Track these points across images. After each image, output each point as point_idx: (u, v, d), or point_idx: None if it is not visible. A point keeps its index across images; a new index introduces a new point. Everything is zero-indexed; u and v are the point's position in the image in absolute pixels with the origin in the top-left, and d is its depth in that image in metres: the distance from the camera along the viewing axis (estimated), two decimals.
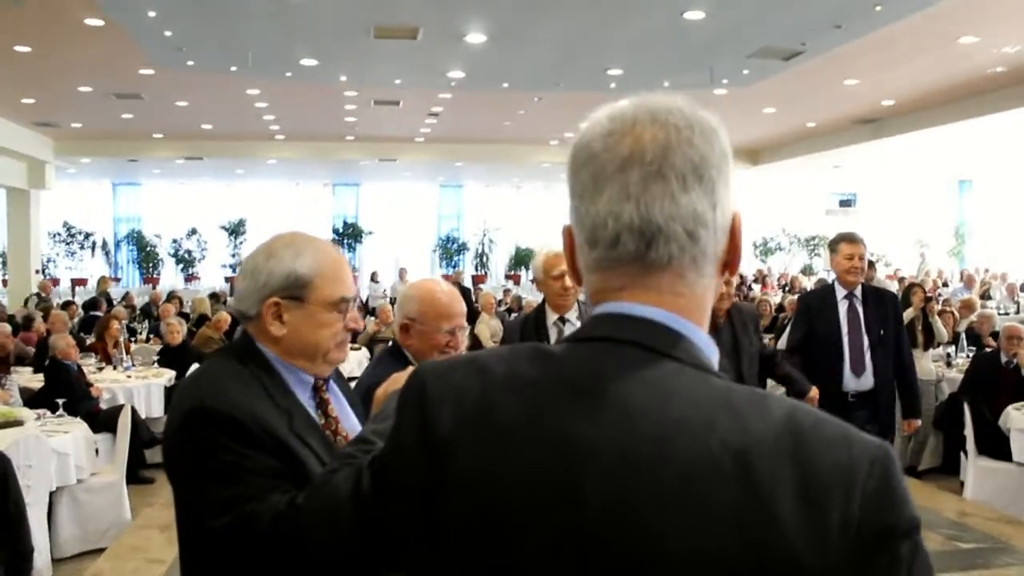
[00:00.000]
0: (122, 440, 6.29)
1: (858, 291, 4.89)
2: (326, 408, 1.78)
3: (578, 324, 4.09)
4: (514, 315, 11.34)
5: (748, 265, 24.62)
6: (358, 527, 1.15)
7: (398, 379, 1.54)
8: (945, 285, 18.81)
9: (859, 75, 11.86)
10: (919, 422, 5.19)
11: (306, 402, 1.73)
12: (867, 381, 4.76)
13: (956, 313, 10.27)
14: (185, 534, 1.64)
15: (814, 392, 4.57)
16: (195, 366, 8.33)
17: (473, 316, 12.81)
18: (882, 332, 4.82)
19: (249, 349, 1.70)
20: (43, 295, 14.78)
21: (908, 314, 7.97)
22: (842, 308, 4.87)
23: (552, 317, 4.11)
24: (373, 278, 19.75)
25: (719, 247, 0.98)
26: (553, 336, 4.07)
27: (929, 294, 8.73)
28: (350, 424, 1.83)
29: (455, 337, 2.47)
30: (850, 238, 4.92)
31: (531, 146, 19.18)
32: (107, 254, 23.48)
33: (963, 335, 9.42)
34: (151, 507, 6.42)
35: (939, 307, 9.21)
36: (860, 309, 4.87)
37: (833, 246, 5.03)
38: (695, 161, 0.94)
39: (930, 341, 8.11)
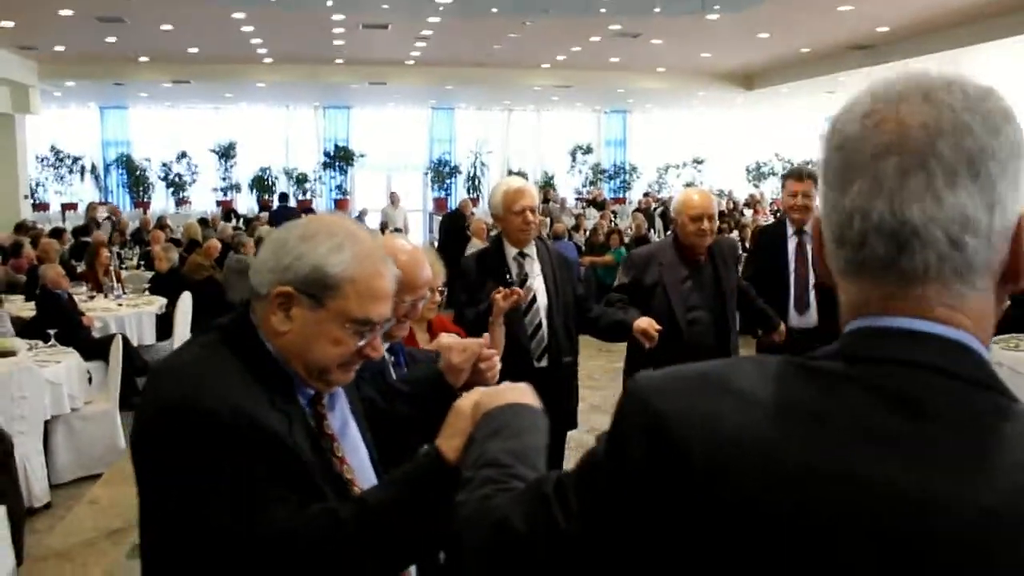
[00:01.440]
0: (114, 370, 6.40)
1: (809, 227, 4.73)
2: (321, 423, 1.53)
3: (536, 260, 4.09)
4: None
5: (741, 190, 24.63)
6: (558, 562, 0.91)
7: (494, 394, 1.34)
8: None
9: (853, 0, 11.70)
10: None
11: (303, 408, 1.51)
12: (810, 318, 4.71)
13: None
14: (159, 541, 1.43)
15: (783, 327, 4.56)
16: (186, 294, 8.48)
17: (464, 241, 12.87)
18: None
19: (248, 337, 1.47)
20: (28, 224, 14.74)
21: None
22: (791, 244, 4.80)
23: (512, 252, 4.05)
24: (361, 217, 19.66)
25: (996, 255, 0.80)
26: (514, 270, 4.02)
27: None
28: (349, 443, 1.60)
29: (415, 308, 2.26)
30: (796, 174, 4.86)
31: (521, 70, 18.96)
32: (96, 179, 23.30)
33: None
34: None
35: None
36: (809, 246, 4.71)
37: (782, 182, 5.00)
38: (972, 152, 0.77)
39: None
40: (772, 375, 0.82)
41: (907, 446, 0.74)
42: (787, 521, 0.75)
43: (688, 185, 25.42)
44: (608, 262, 12.34)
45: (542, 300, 4.02)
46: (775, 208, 20.32)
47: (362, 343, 1.47)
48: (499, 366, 2.01)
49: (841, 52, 15.71)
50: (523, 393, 1.33)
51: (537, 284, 4.01)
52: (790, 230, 4.84)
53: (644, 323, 3.82)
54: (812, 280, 4.73)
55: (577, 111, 26.50)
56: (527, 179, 20.21)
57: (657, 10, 11.86)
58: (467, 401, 1.38)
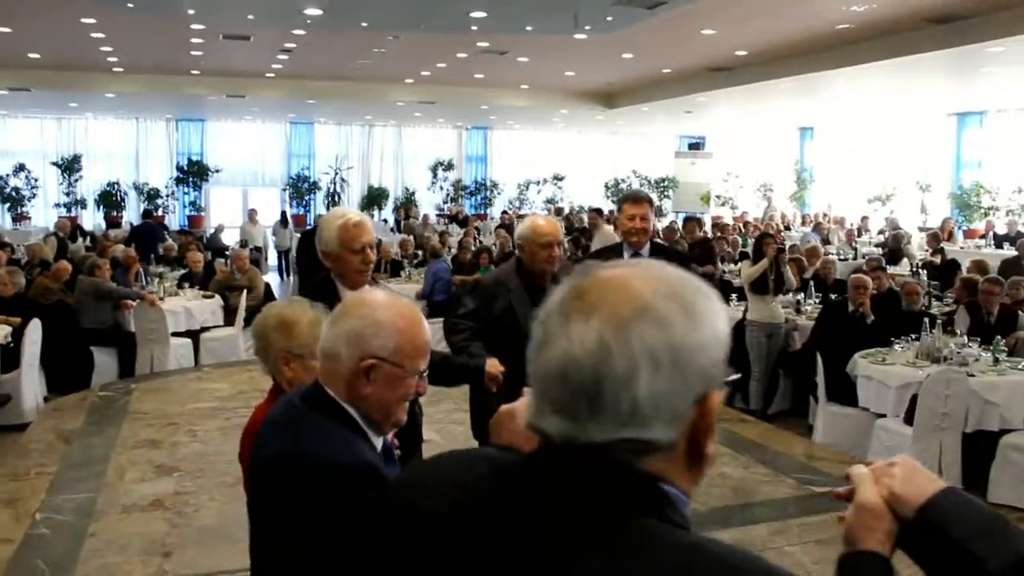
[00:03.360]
0: None
1: (645, 251, 4.72)
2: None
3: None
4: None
5: (604, 205, 25.05)
6: None
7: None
8: (787, 228, 19.74)
9: (717, 26, 12.06)
10: None
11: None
12: None
13: (804, 260, 10.77)
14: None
15: None
16: (35, 321, 7.81)
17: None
18: None
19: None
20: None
21: (762, 264, 8.27)
22: None
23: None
24: (217, 232, 18.86)
25: None
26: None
27: (780, 245, 9.01)
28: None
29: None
30: (633, 197, 4.83)
31: (385, 84, 18.74)
32: None
33: (811, 282, 9.88)
34: None
35: (787, 256, 9.52)
36: None
37: (619, 205, 4.94)
38: None
39: (779, 287, 8.38)
40: None
41: None
42: None
43: (549, 202, 25.85)
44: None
45: None
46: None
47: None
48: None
49: (700, 73, 16.21)
50: None
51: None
52: (627, 253, 4.73)
53: (493, 368, 3.66)
54: None
55: (439, 128, 26.44)
56: (387, 195, 20.01)
57: (529, 28, 11.88)
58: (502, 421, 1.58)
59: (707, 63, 15.27)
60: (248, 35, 13.18)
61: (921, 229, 18.57)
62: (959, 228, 17.52)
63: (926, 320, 7.12)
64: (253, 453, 1.88)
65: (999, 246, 14.94)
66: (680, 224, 14.92)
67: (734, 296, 9.51)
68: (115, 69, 16.64)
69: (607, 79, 18.00)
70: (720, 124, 24.47)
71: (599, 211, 11.53)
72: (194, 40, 13.66)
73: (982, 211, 18.33)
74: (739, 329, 8.32)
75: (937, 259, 13.16)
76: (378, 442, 1.83)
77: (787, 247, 10.98)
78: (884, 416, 6.56)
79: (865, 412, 6.77)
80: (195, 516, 5.25)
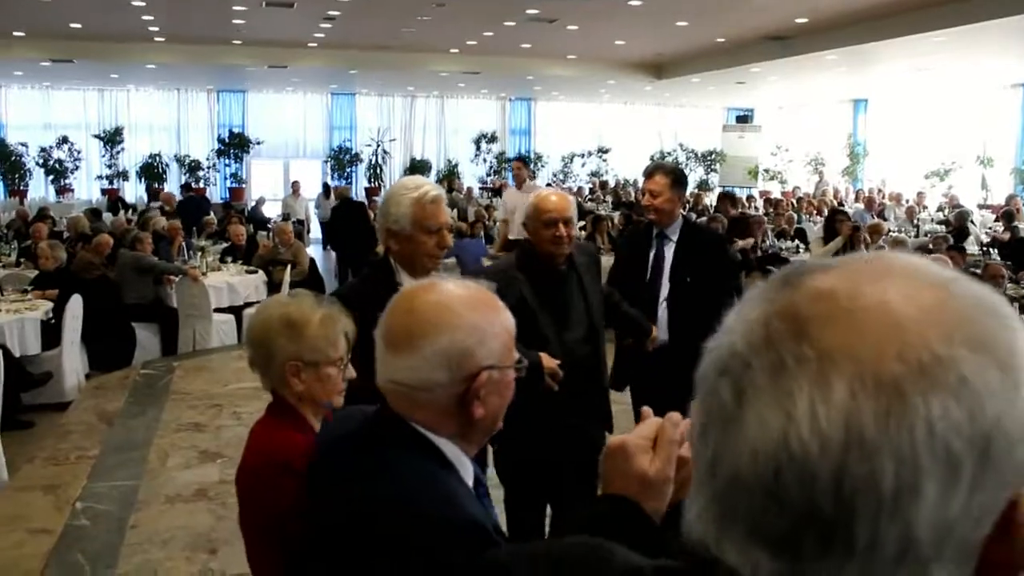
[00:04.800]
0: None
1: (672, 231, 4.29)
2: None
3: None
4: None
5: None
6: None
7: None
8: (841, 205, 19.09)
9: None
10: None
11: None
12: (660, 334, 4.14)
13: (868, 237, 10.27)
14: None
15: (655, 331, 4.05)
16: (76, 296, 7.57)
17: (370, 232, 12.10)
18: (688, 280, 4.22)
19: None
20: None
21: (835, 243, 7.83)
22: (653, 249, 4.30)
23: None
24: (258, 206, 18.65)
25: None
26: None
27: (855, 223, 8.55)
28: None
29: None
30: (646, 171, 4.36)
31: (429, 54, 18.32)
32: None
33: None
34: (32, 463, 5.73)
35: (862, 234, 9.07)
36: (668, 252, 4.28)
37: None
38: None
39: None
40: None
41: None
42: None
43: (593, 175, 25.35)
44: None
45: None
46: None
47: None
48: None
49: (756, 43, 15.60)
50: None
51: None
52: (656, 231, 4.32)
53: (549, 361, 3.16)
54: (664, 291, 4.24)
55: (482, 99, 26.00)
56: (430, 167, 19.23)
57: None
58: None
59: (764, 31, 14.66)
60: (291, 2, 12.82)
61: (981, 206, 17.88)
62: None
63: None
64: (320, 500, 1.51)
65: None
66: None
67: None
68: (156, 39, 16.39)
69: (658, 48, 17.42)
70: (771, 96, 23.74)
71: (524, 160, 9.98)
72: (236, 8, 13.34)
73: None
74: None
75: (1007, 237, 12.55)
76: (469, 474, 1.48)
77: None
78: None
79: None
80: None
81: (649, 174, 4.29)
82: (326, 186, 19.20)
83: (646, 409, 1.29)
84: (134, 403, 7.10)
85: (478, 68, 18.98)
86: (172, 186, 21.82)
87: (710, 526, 0.63)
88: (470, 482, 1.47)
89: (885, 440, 0.55)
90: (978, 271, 8.04)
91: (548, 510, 3.62)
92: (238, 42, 16.94)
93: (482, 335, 1.42)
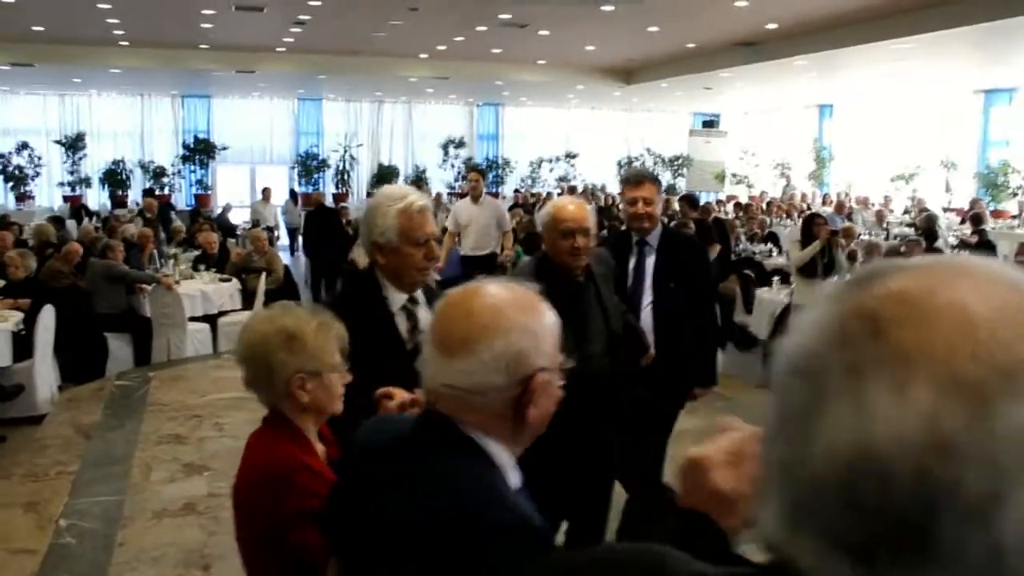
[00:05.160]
0: None
1: (653, 238, 4.21)
2: None
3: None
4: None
5: (614, 187, 24.56)
6: None
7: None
8: (808, 209, 19.25)
9: None
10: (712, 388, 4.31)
11: None
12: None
13: (842, 241, 10.36)
14: None
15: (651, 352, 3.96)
16: (48, 307, 7.38)
17: (344, 239, 11.95)
18: (672, 285, 4.16)
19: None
20: None
21: (813, 247, 7.89)
22: (634, 256, 4.23)
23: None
24: (225, 212, 18.42)
25: None
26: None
27: (834, 228, 8.63)
28: None
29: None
30: (634, 178, 4.26)
31: (399, 59, 18.20)
32: None
33: (855, 263, 9.51)
34: (9, 479, 5.56)
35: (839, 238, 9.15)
36: (649, 259, 4.20)
37: (621, 187, 4.39)
38: None
39: (829, 271, 8.05)
40: None
41: None
42: None
43: (561, 180, 25.34)
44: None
45: None
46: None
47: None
48: None
49: (726, 48, 15.69)
50: None
51: None
52: (634, 239, 4.25)
53: None
54: (647, 298, 4.15)
55: (450, 104, 25.91)
56: (398, 173, 18.72)
57: None
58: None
59: (734, 37, 14.75)
60: (262, 6, 12.67)
61: (945, 209, 18.14)
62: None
63: None
64: (371, 505, 1.46)
65: None
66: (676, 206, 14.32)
67: (775, 279, 9.25)
68: (121, 43, 16.11)
69: (628, 54, 17.47)
70: (738, 101, 23.92)
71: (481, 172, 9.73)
72: (204, 12, 13.15)
73: (1010, 191, 17.89)
74: (785, 315, 8.11)
75: (974, 240, 12.73)
76: (516, 477, 1.46)
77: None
78: None
79: None
80: (233, 522, 4.84)
81: (638, 183, 4.20)
82: (293, 192, 19.02)
83: (726, 421, 1.24)
84: (111, 415, 6.93)
85: (447, 73, 18.90)
86: (136, 193, 21.48)
87: (782, 528, 0.62)
88: (516, 484, 1.46)
89: (969, 445, 0.54)
90: None
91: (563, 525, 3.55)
92: (205, 46, 16.71)
93: (535, 337, 1.41)
